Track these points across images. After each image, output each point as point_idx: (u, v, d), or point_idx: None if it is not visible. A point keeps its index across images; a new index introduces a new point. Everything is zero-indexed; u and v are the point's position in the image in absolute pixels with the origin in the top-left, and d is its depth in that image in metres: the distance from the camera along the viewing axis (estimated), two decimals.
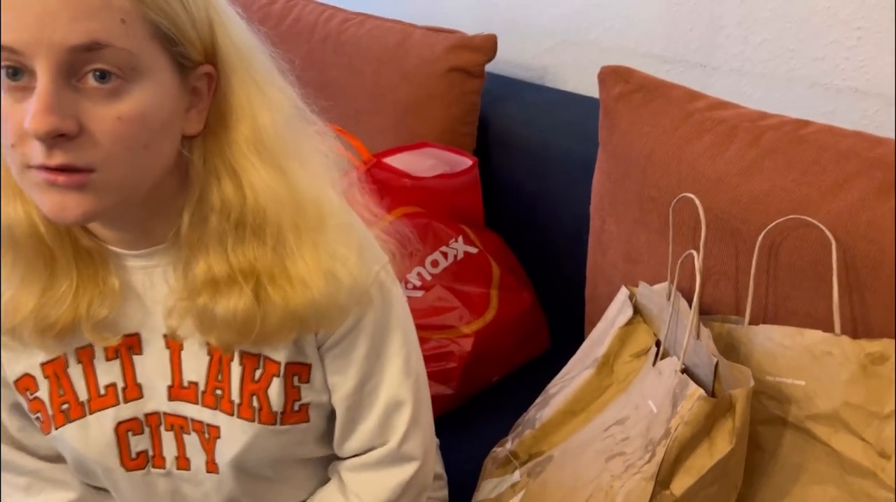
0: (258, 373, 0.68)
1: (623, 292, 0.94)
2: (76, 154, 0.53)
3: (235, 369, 0.68)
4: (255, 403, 0.68)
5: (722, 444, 0.68)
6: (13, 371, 0.69)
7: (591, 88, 1.33)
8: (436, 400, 0.84)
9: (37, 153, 0.52)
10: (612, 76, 1.01)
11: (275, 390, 0.68)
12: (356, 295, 0.66)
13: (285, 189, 0.62)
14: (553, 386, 0.96)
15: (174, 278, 0.65)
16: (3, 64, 0.52)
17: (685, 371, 0.76)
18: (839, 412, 0.72)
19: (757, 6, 1.10)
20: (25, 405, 0.71)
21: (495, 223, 1.30)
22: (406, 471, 0.75)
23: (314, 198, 0.63)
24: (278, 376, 0.68)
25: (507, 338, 1.21)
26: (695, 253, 0.79)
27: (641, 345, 0.89)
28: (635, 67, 1.01)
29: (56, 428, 0.69)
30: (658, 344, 0.85)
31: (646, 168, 0.94)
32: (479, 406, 1.17)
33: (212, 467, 0.71)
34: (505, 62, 1.39)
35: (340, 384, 0.71)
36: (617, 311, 0.93)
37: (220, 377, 0.68)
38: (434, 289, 1.16)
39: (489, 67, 1.27)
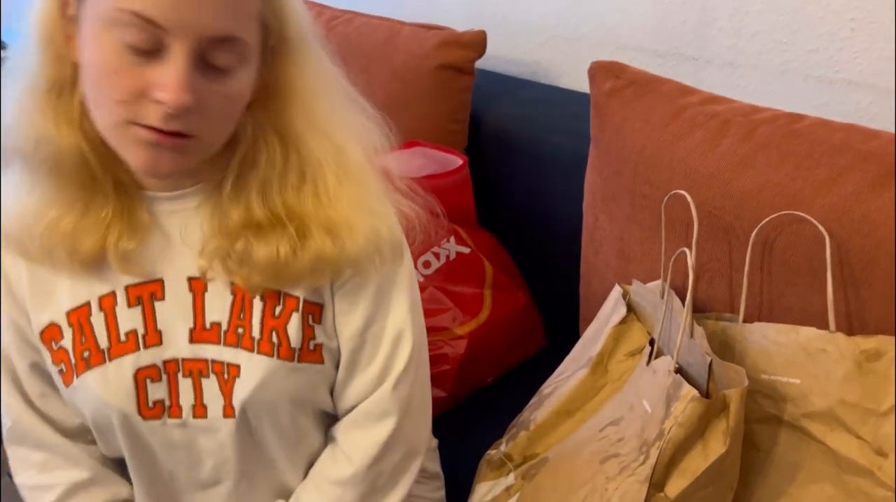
0: (278, 310, 0.71)
1: (616, 290, 0.93)
2: (188, 123, 0.60)
3: (257, 306, 0.71)
4: (275, 338, 0.70)
5: (716, 445, 0.67)
6: (39, 321, 0.72)
7: (583, 84, 1.32)
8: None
9: (152, 116, 0.59)
10: (602, 72, 1.00)
11: (294, 326, 0.71)
12: (390, 250, 0.72)
13: (330, 148, 0.68)
14: (547, 387, 0.95)
15: (210, 222, 0.70)
16: (132, 32, 0.57)
17: (679, 370, 0.75)
18: (835, 410, 0.71)
19: None
20: (49, 358, 0.73)
21: (488, 222, 1.29)
22: (388, 426, 0.75)
23: (356, 160, 0.70)
24: (297, 311, 0.71)
25: (501, 339, 1.20)
26: (687, 250, 0.78)
27: (636, 343, 0.88)
28: (627, 62, 1.00)
29: (77, 377, 0.71)
30: (652, 342, 0.84)
31: (637, 164, 0.92)
32: (474, 407, 1.16)
33: (229, 411, 0.72)
34: (496, 58, 1.37)
35: (347, 324, 0.74)
36: (611, 310, 0.92)
37: (242, 316, 0.71)
38: (426, 291, 1.15)
39: (480, 64, 1.26)
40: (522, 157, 1.26)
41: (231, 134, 0.67)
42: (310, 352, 0.72)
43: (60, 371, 0.73)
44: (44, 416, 0.77)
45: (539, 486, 0.83)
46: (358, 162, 0.70)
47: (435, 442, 0.94)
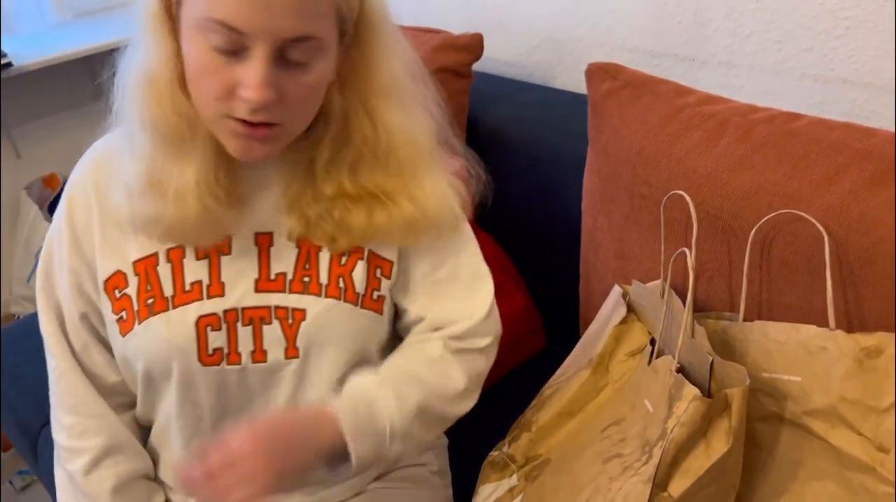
0: (344, 259, 0.78)
1: (616, 291, 0.94)
2: (272, 114, 0.65)
3: (324, 257, 0.77)
4: (342, 284, 0.77)
5: (719, 445, 0.67)
6: (105, 270, 0.77)
7: (580, 85, 1.33)
8: None
9: (241, 109, 0.65)
10: (599, 73, 1.00)
11: (359, 272, 0.78)
12: (455, 214, 0.80)
13: (410, 127, 0.75)
14: (548, 388, 0.95)
15: (302, 191, 0.75)
16: (217, 37, 0.62)
17: (681, 370, 0.75)
18: (836, 407, 0.71)
19: None
20: (110, 307, 0.77)
21: (487, 224, 1.29)
22: (484, 341, 0.84)
23: (427, 133, 0.77)
24: (362, 259, 0.78)
25: (502, 340, 1.19)
26: (687, 250, 0.78)
27: (636, 343, 0.88)
28: (624, 63, 1.00)
29: (140, 323, 0.75)
30: (653, 342, 0.84)
31: (636, 165, 0.93)
32: (476, 408, 1.16)
33: (292, 351, 0.77)
34: (493, 61, 1.38)
35: (418, 269, 0.81)
36: (611, 310, 0.93)
37: (307, 266, 0.77)
38: None
39: (477, 66, 1.26)
40: (520, 159, 1.26)
41: (316, 114, 0.72)
42: (373, 300, 0.79)
43: (120, 319, 0.77)
44: (84, 369, 0.82)
45: (542, 487, 0.83)
46: (429, 134, 0.77)
47: (445, 439, 0.95)
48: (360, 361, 0.81)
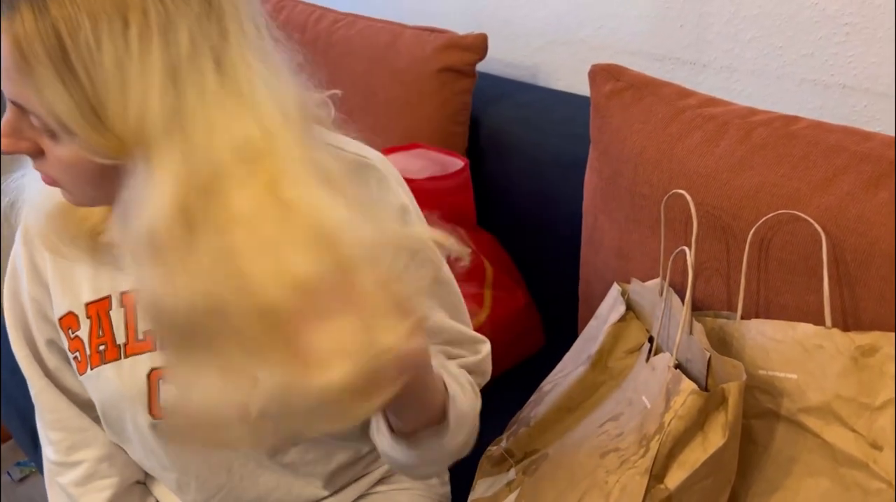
0: None
1: (615, 289, 0.95)
2: (44, 166, 0.59)
3: None
4: None
5: (715, 438, 0.68)
6: (59, 308, 0.74)
7: (582, 87, 1.34)
8: None
9: None
10: (602, 74, 1.01)
11: None
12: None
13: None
14: (547, 384, 0.96)
15: None
16: None
17: (678, 366, 0.76)
18: (831, 404, 0.72)
19: (745, 4, 1.11)
20: (66, 344, 0.75)
21: (488, 223, 1.30)
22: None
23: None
24: None
25: (501, 338, 1.20)
26: (687, 249, 0.79)
27: (634, 341, 0.90)
28: (626, 66, 1.01)
29: (91, 369, 0.73)
30: (651, 340, 0.85)
31: (637, 165, 0.94)
32: None
33: None
34: (496, 62, 1.39)
35: None
36: (609, 308, 0.94)
37: None
38: None
39: (480, 67, 1.28)
40: (521, 159, 1.27)
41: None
42: None
43: (75, 358, 0.75)
44: (62, 388, 0.80)
45: (540, 481, 0.84)
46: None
47: None
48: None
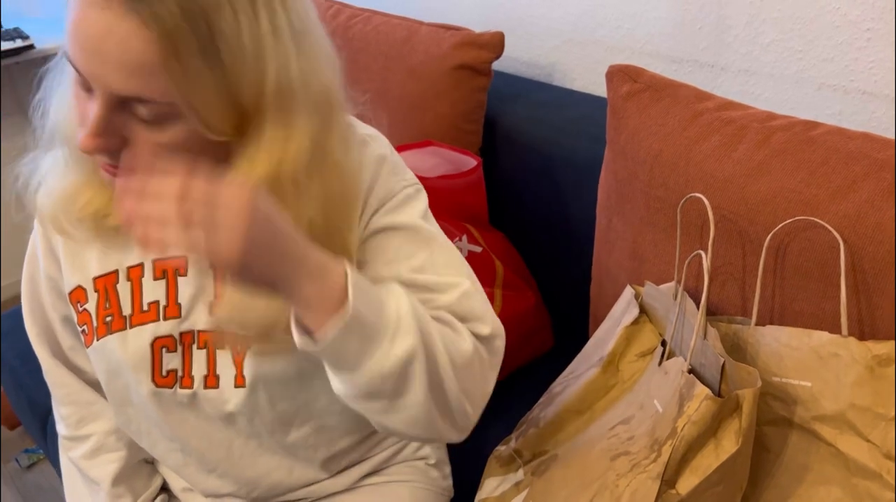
0: None
1: (629, 291, 0.94)
2: (124, 160, 0.60)
3: None
4: None
5: (728, 444, 0.68)
6: (69, 282, 0.77)
7: (598, 87, 1.34)
8: None
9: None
10: (620, 75, 1.01)
11: None
12: (382, 189, 0.72)
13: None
14: (557, 385, 0.96)
15: None
16: (74, 71, 0.58)
17: (692, 371, 0.76)
18: (845, 413, 0.71)
19: (765, 6, 1.10)
20: (75, 318, 0.78)
21: (500, 221, 1.30)
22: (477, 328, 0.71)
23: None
24: None
25: (511, 337, 1.19)
26: (703, 253, 0.79)
27: (647, 344, 0.89)
28: (643, 67, 1.01)
29: (98, 339, 0.75)
30: (664, 343, 0.85)
31: (653, 167, 0.93)
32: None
33: (240, 380, 0.75)
34: (512, 60, 1.39)
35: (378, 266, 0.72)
36: (622, 310, 0.93)
37: None
38: None
39: (496, 65, 1.27)
40: (535, 158, 1.27)
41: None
42: None
43: (83, 331, 0.78)
44: (71, 366, 0.85)
45: (549, 482, 0.84)
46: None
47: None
48: (320, 376, 0.76)
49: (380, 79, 1.31)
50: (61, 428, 0.88)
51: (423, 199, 0.77)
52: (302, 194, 0.63)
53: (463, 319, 0.71)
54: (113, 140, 0.59)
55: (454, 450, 0.98)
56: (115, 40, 0.54)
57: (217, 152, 0.61)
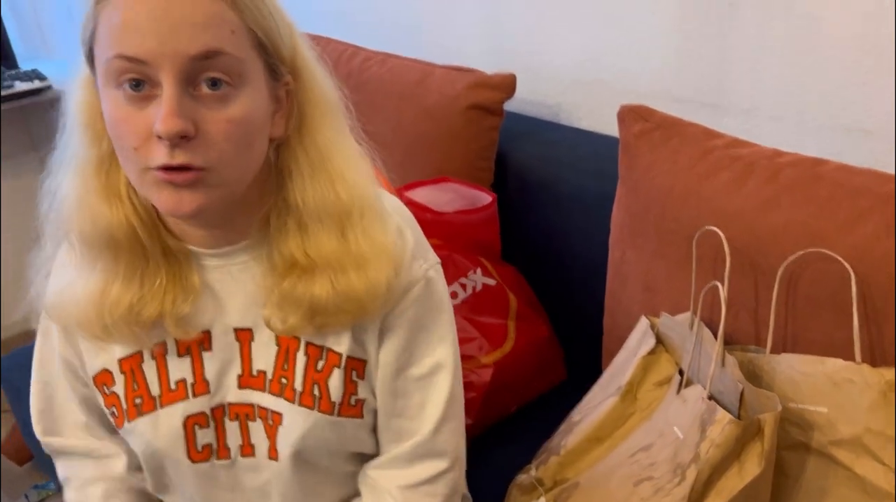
0: (321, 364, 0.74)
1: (644, 322, 0.97)
2: (193, 154, 0.60)
3: (300, 359, 0.74)
4: (316, 392, 0.74)
5: (752, 467, 0.70)
6: (93, 366, 0.77)
7: (605, 127, 1.38)
8: None
9: (159, 155, 0.60)
10: (631, 115, 1.05)
11: (335, 381, 0.74)
12: (405, 280, 0.73)
13: (347, 189, 0.69)
14: (576, 414, 0.98)
15: (261, 271, 0.72)
16: (126, 76, 0.60)
17: (711, 398, 0.78)
18: (861, 437, 0.74)
19: (766, 49, 1.15)
20: (101, 400, 0.79)
21: (512, 256, 1.33)
22: (438, 466, 0.78)
23: (368, 198, 0.71)
24: (339, 367, 0.74)
25: (524, 369, 1.23)
26: (719, 284, 0.82)
27: (664, 373, 0.92)
28: None
29: (129, 422, 0.75)
30: (681, 372, 0.88)
31: (665, 202, 0.97)
32: (498, 435, 1.19)
33: (273, 453, 0.76)
34: (521, 101, 1.43)
35: (384, 357, 0.76)
36: (639, 341, 0.96)
37: (286, 366, 0.74)
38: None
39: (507, 106, 1.32)
40: (545, 195, 1.31)
41: (257, 171, 0.68)
42: (350, 406, 0.76)
43: (112, 414, 0.78)
44: (91, 431, 0.85)
45: None
46: (368, 199, 0.71)
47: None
48: (351, 454, 0.81)
49: (395, 118, 1.35)
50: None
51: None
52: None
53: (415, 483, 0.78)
54: (189, 124, 0.59)
55: (474, 481, 1.00)
56: (178, 3, 0.58)
57: (268, 128, 0.67)
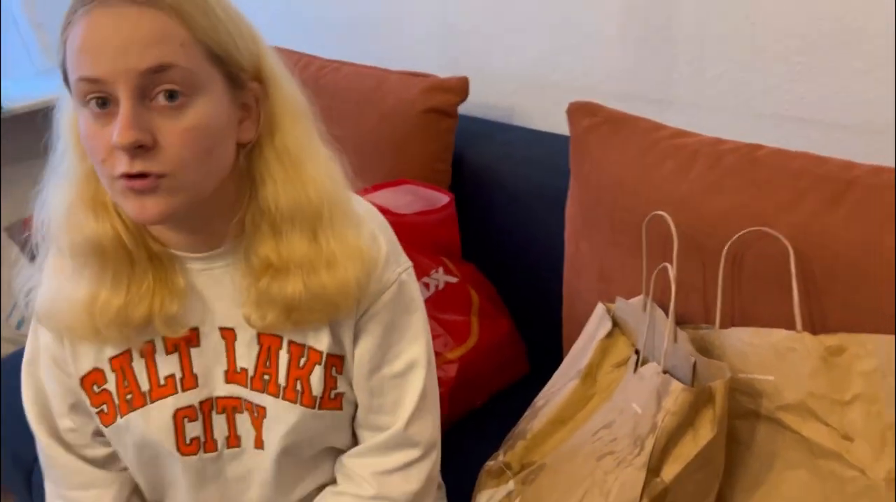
0: (303, 361, 0.78)
1: (600, 308, 1.01)
2: (151, 162, 0.64)
3: (283, 357, 0.78)
4: (299, 387, 0.78)
5: (705, 432, 0.74)
6: (80, 367, 0.79)
7: (556, 126, 1.43)
8: None
9: (121, 164, 0.64)
10: (579, 111, 1.10)
11: (316, 377, 0.78)
12: (378, 284, 0.78)
13: (318, 192, 0.73)
14: (540, 399, 1.01)
15: (239, 272, 0.75)
16: (91, 96, 0.64)
17: (666, 372, 0.82)
18: (805, 401, 0.79)
19: (707, 45, 1.21)
20: (88, 401, 0.79)
21: (472, 254, 1.36)
22: (411, 454, 0.82)
23: (339, 200, 0.75)
24: (320, 364, 0.78)
25: (488, 364, 1.26)
26: (668, 265, 0.86)
27: (621, 355, 0.96)
28: None
29: (121, 417, 0.78)
30: (637, 352, 0.91)
31: (616, 193, 1.02)
32: (466, 428, 1.22)
33: (259, 443, 0.80)
34: (476, 104, 1.47)
35: (360, 356, 0.80)
36: (596, 326, 1.00)
37: (268, 364, 0.78)
38: None
39: (461, 109, 1.35)
40: (502, 193, 1.34)
41: (232, 176, 0.71)
42: (330, 400, 0.80)
43: (101, 411, 0.80)
44: (70, 448, 0.85)
45: (539, 489, 0.89)
46: (340, 201, 0.75)
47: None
48: (329, 447, 0.84)
49: (353, 124, 1.38)
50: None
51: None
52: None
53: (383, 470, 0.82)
54: (145, 134, 0.63)
55: (446, 470, 1.03)
56: (129, 24, 0.62)
57: (233, 135, 0.70)
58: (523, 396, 1.10)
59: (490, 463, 0.99)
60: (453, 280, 1.27)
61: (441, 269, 1.26)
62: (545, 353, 1.27)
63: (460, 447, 1.15)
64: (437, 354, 1.20)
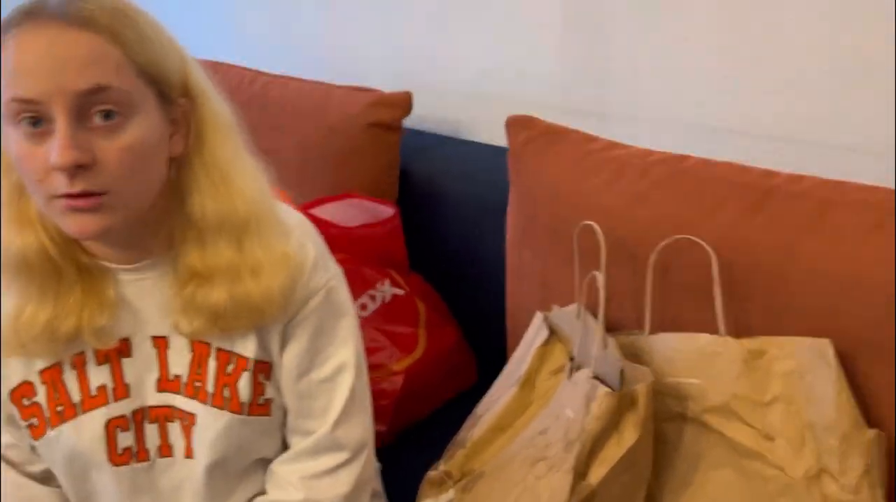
0: (230, 368, 0.79)
1: (538, 316, 1.03)
2: (92, 181, 0.65)
3: (211, 364, 0.79)
4: (227, 393, 0.79)
5: (629, 435, 0.77)
6: (11, 380, 0.79)
7: (499, 139, 1.45)
8: None
9: (60, 184, 0.65)
10: (517, 125, 1.12)
11: (244, 383, 0.79)
12: (305, 290, 0.78)
13: (245, 202, 0.75)
14: (481, 408, 1.03)
15: (168, 282, 0.77)
16: (23, 116, 0.64)
17: (596, 378, 0.84)
18: (729, 403, 0.81)
19: (641, 60, 1.24)
20: (18, 414, 0.79)
21: (419, 265, 1.38)
22: (338, 458, 0.83)
23: (265, 210, 0.77)
24: (248, 370, 0.79)
25: (435, 374, 1.27)
26: (597, 273, 0.89)
27: (558, 362, 0.98)
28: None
29: (52, 429, 0.78)
30: (572, 359, 0.94)
31: (552, 203, 1.04)
32: (413, 439, 1.23)
33: (188, 452, 0.80)
34: (422, 118, 1.49)
35: (288, 361, 0.81)
36: (534, 334, 1.02)
37: (199, 371, 0.79)
38: (364, 331, 1.22)
39: (408, 122, 1.37)
40: (447, 206, 1.37)
41: (158, 190, 0.72)
42: (259, 406, 0.81)
43: (31, 425, 0.79)
44: (13, 464, 0.84)
45: (476, 496, 0.90)
46: (267, 210, 0.77)
47: (378, 464, 1.01)
48: (258, 454, 0.84)
49: (299, 138, 1.39)
50: None
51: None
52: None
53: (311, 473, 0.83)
54: (84, 154, 0.64)
55: (388, 485, 1.03)
56: (63, 45, 0.63)
57: (166, 150, 0.72)
58: (470, 406, 1.11)
59: (431, 473, 1.00)
60: (400, 292, 1.28)
61: (388, 282, 1.28)
62: (492, 362, 1.28)
63: (405, 459, 1.16)
64: (382, 366, 1.21)
